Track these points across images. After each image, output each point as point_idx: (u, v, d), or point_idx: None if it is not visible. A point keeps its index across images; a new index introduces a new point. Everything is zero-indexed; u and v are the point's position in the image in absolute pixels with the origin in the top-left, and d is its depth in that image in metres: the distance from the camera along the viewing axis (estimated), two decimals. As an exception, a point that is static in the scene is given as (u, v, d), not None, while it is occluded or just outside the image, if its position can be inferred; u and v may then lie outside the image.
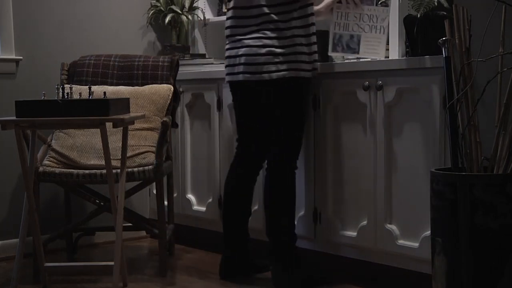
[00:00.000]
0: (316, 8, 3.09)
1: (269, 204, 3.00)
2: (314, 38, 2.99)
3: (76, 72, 3.62)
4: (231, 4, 3.06)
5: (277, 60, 2.89)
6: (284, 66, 2.90)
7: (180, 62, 3.78)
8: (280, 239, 3.00)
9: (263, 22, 2.93)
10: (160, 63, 3.61)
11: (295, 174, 3.02)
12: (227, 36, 3.08)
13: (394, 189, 2.86)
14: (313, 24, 2.99)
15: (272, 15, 2.91)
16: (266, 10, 2.92)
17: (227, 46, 3.08)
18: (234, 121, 3.51)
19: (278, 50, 2.90)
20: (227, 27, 3.08)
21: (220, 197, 3.61)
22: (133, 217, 3.51)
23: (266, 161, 3.08)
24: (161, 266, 3.25)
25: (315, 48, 3.00)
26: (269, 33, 2.92)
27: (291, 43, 2.91)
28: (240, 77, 2.97)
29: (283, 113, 2.96)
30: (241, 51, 2.97)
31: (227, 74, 3.07)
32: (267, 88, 2.95)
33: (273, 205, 3.00)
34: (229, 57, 3.05)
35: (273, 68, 2.89)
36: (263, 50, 2.91)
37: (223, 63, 3.79)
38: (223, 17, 4.10)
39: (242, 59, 2.95)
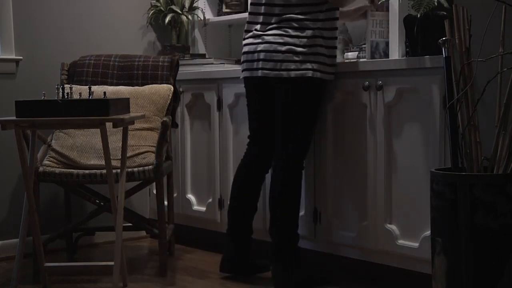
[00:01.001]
0: (345, 9, 3.08)
1: (281, 202, 2.98)
2: (335, 43, 2.98)
3: (76, 72, 3.62)
4: None
5: (297, 58, 2.88)
6: (303, 66, 2.88)
7: (180, 62, 3.78)
8: (288, 238, 2.98)
9: (285, 19, 2.91)
10: (160, 63, 3.61)
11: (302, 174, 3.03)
12: (246, 31, 3.07)
13: (394, 189, 2.85)
14: (336, 28, 2.98)
15: (297, 14, 2.90)
16: (290, 8, 2.91)
17: (245, 41, 3.05)
18: (234, 121, 3.52)
19: (299, 49, 2.88)
20: (247, 22, 3.06)
21: (220, 197, 3.61)
22: (133, 217, 3.51)
23: (275, 159, 3.05)
24: (161, 266, 3.25)
25: (334, 52, 2.98)
26: (290, 31, 2.90)
27: (312, 43, 2.89)
28: (259, 73, 2.96)
29: (300, 112, 2.95)
30: (261, 47, 2.95)
31: (244, 69, 3.05)
32: (285, 86, 2.93)
33: (285, 203, 2.98)
34: (247, 52, 3.02)
35: (292, 66, 2.88)
36: (284, 48, 2.89)
37: (223, 63, 3.82)
38: (223, 17, 4.13)
39: (262, 55, 2.94)
